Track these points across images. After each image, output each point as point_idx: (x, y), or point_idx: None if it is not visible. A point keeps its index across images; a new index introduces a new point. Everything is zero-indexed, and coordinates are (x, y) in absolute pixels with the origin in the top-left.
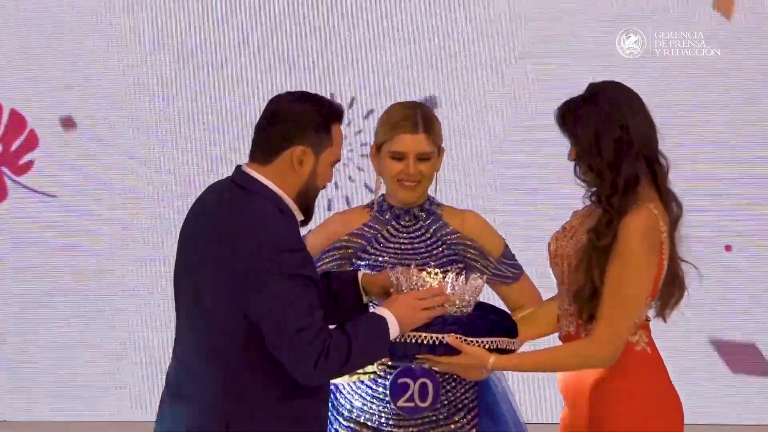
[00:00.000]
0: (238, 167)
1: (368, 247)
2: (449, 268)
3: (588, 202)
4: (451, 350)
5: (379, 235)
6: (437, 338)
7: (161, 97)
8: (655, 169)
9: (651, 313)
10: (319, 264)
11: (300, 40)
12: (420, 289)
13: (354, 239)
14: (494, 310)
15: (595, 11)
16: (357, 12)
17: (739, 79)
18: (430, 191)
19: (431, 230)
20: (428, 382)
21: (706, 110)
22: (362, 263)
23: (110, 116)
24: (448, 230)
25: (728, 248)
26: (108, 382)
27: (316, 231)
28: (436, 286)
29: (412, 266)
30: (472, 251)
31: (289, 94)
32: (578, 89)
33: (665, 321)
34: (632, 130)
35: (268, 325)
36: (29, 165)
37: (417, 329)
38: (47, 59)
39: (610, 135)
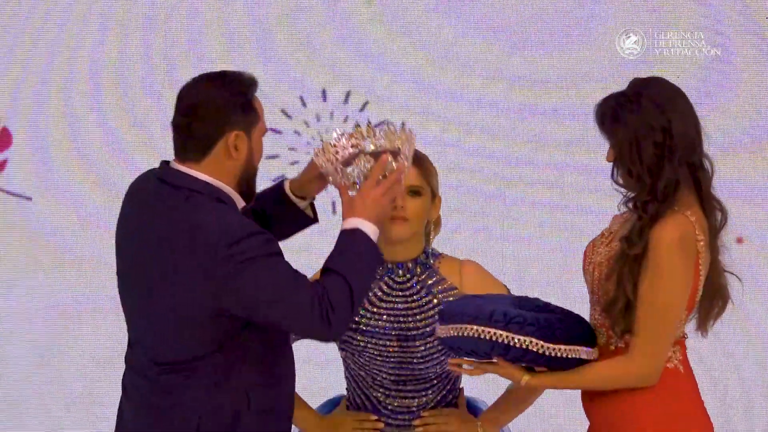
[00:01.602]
0: (165, 164)
1: (359, 309)
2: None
3: (624, 208)
4: (526, 355)
5: (370, 294)
6: (512, 339)
7: (149, 93)
8: (698, 176)
9: (690, 327)
10: None
11: (293, 31)
12: (344, 157)
13: None
14: (570, 314)
15: (595, 11)
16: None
17: (739, 80)
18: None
19: (426, 286)
20: None
21: (705, 110)
22: (353, 325)
23: (90, 114)
24: (444, 286)
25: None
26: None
27: None
28: (364, 152)
29: (333, 137)
30: None
31: (197, 82)
32: (579, 90)
33: (705, 334)
34: (676, 134)
35: (262, 314)
36: (2, 165)
37: (492, 325)
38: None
39: (652, 139)
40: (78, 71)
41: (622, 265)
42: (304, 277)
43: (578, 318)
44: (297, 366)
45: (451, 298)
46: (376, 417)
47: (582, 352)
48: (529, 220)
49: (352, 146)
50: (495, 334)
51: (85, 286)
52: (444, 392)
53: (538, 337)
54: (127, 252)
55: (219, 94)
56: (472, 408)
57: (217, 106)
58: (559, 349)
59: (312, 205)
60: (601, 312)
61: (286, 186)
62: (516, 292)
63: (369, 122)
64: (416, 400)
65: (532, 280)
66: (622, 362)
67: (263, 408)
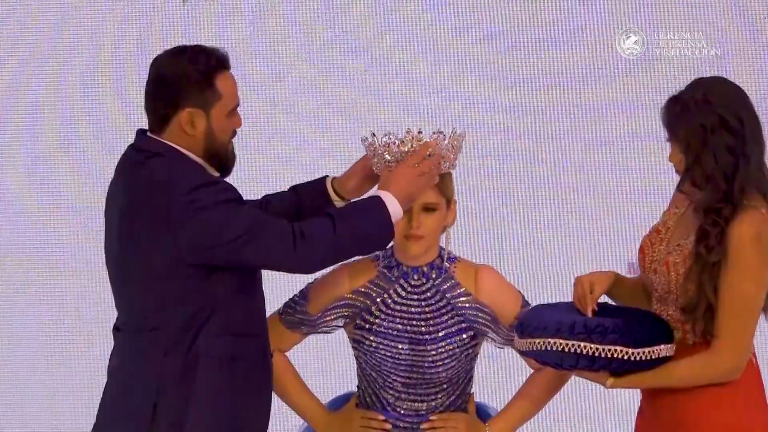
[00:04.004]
0: (139, 131)
1: (373, 309)
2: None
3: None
4: (612, 363)
5: (385, 295)
6: (597, 349)
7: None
8: (765, 173)
9: None
10: (323, 321)
11: (286, 28)
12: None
13: (359, 298)
14: (643, 312)
15: (595, 11)
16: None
17: (739, 80)
18: (442, 243)
19: (441, 291)
20: None
21: None
22: (366, 325)
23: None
24: (459, 292)
25: None
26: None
27: (319, 286)
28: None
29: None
30: (483, 317)
31: (166, 53)
32: (580, 90)
33: None
34: (748, 137)
35: (226, 255)
36: None
37: (574, 338)
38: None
39: (725, 142)
40: (73, 69)
41: (701, 270)
42: (271, 216)
43: (650, 315)
44: (309, 363)
45: (466, 304)
46: (383, 417)
47: (663, 350)
48: (542, 224)
49: (402, 153)
50: (579, 346)
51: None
52: (453, 397)
53: (621, 344)
54: (106, 222)
55: (175, 68)
56: (482, 413)
57: (170, 80)
58: (643, 353)
59: None
60: (676, 309)
61: (328, 182)
62: (533, 297)
63: (420, 130)
64: (426, 403)
65: (546, 282)
66: (707, 358)
67: (225, 355)
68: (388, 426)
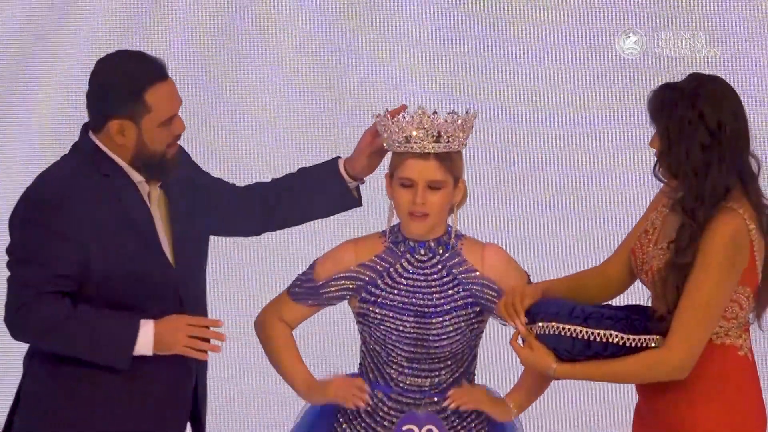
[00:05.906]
0: (83, 126)
1: (379, 282)
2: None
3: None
4: (607, 349)
5: (391, 269)
6: (592, 334)
7: None
8: (746, 180)
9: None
10: (327, 290)
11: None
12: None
13: (365, 271)
14: (641, 307)
15: (594, 11)
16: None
17: (739, 80)
18: (450, 222)
19: (447, 266)
20: (434, 428)
21: None
22: (372, 298)
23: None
24: (465, 267)
25: None
26: None
27: (325, 260)
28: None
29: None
30: (490, 293)
31: (106, 59)
32: (578, 90)
33: (761, 327)
34: (725, 139)
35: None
36: None
37: (572, 322)
38: None
39: (700, 138)
40: (55, 70)
41: (669, 271)
42: (48, 271)
43: (647, 311)
44: (310, 345)
45: (473, 280)
46: (367, 385)
47: (653, 340)
48: (543, 215)
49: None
50: (575, 330)
51: None
52: (457, 374)
53: (618, 329)
54: None
55: (108, 78)
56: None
57: (102, 90)
58: (639, 339)
59: (357, 188)
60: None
61: (340, 163)
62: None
63: (435, 111)
64: (429, 379)
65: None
66: (655, 352)
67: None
68: (365, 395)
